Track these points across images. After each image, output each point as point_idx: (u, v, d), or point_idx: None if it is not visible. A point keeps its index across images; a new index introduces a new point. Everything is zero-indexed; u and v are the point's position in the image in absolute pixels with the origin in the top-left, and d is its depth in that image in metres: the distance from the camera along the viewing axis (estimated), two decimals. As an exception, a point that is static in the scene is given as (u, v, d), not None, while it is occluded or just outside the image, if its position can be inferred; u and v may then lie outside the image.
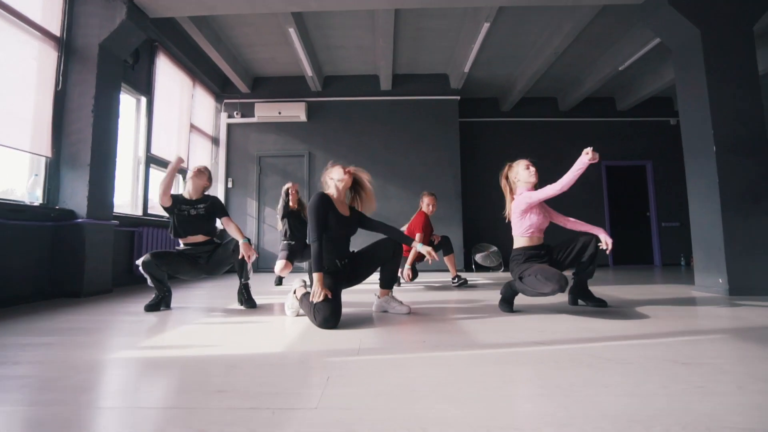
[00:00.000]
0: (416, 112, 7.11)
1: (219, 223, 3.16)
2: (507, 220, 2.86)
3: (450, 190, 6.96)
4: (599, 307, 2.76)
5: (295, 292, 2.57)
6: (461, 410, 1.09)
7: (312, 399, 1.18)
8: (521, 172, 2.75)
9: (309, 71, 6.41)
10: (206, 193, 3.20)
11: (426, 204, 4.46)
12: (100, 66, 3.85)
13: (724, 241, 3.43)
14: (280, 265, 4.24)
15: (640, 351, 1.66)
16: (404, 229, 4.55)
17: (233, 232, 3.00)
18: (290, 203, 4.36)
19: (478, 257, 6.96)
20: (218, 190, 6.97)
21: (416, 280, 4.79)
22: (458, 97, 7.12)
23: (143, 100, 5.20)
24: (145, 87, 5.19)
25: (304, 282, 2.66)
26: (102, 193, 3.88)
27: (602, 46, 6.22)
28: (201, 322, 2.42)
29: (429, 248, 2.51)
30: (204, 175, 3.16)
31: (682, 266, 7.47)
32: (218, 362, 1.58)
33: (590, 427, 0.97)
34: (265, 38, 6.00)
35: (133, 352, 1.76)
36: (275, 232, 6.79)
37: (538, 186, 2.73)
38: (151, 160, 5.26)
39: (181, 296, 3.61)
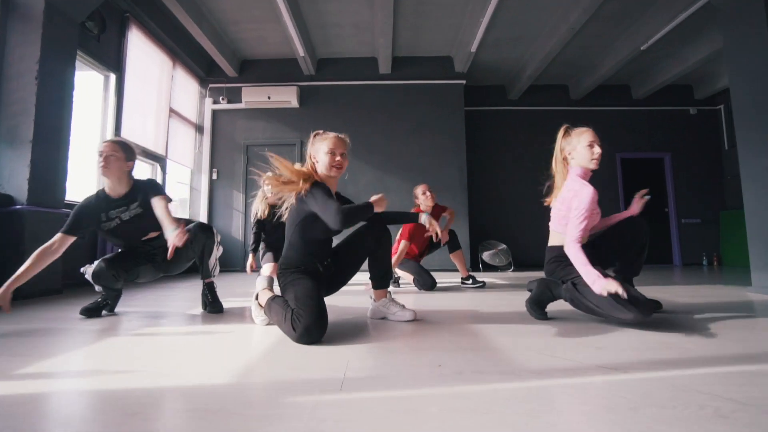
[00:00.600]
0: (418, 97, 6.53)
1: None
2: (546, 204, 2.23)
3: (455, 182, 6.36)
4: (654, 310, 2.13)
5: (257, 298, 1.96)
6: None
7: None
8: (581, 150, 2.02)
9: (301, 51, 5.81)
10: (132, 175, 2.31)
11: (422, 197, 3.72)
12: (46, 26, 3.24)
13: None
14: (269, 267, 3.27)
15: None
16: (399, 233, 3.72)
17: (162, 217, 2.13)
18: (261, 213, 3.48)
19: (486, 256, 6.35)
20: (202, 181, 6.37)
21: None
22: (464, 81, 6.54)
23: (112, 77, 4.61)
24: (114, 62, 4.59)
25: (269, 281, 2.05)
26: (49, 176, 3.27)
27: (623, 23, 5.63)
28: (134, 333, 1.80)
29: (432, 220, 2.05)
30: (116, 155, 2.18)
31: (704, 266, 6.90)
32: (118, 403, 0.97)
33: None
34: (252, 14, 5.40)
35: (3, 383, 1.15)
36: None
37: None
38: (121, 145, 4.65)
39: (138, 298, 3.00)
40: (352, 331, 1.80)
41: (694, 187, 7.31)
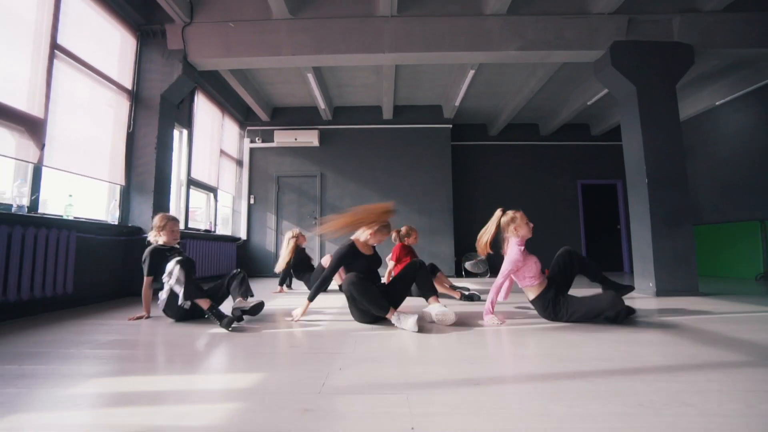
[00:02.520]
0: (414, 138, 7.98)
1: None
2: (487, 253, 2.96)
3: (443, 207, 7.81)
4: (626, 291, 2.97)
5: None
6: None
7: None
8: (525, 227, 2.84)
9: (322, 104, 7.29)
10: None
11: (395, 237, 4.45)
12: (161, 111, 4.72)
13: (653, 253, 4.27)
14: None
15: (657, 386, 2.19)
16: (389, 257, 4.52)
17: None
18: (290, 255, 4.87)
19: (468, 265, 7.78)
20: (242, 205, 7.83)
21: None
22: (450, 126, 8.00)
23: (185, 132, 6.06)
24: (187, 121, 6.05)
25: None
26: (161, 212, 4.72)
27: (573, 84, 7.10)
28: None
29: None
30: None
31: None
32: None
33: None
34: (284, 77, 6.88)
35: (216, 329, 2.59)
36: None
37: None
38: (192, 182, 6.11)
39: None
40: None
41: (640, 208, 8.72)
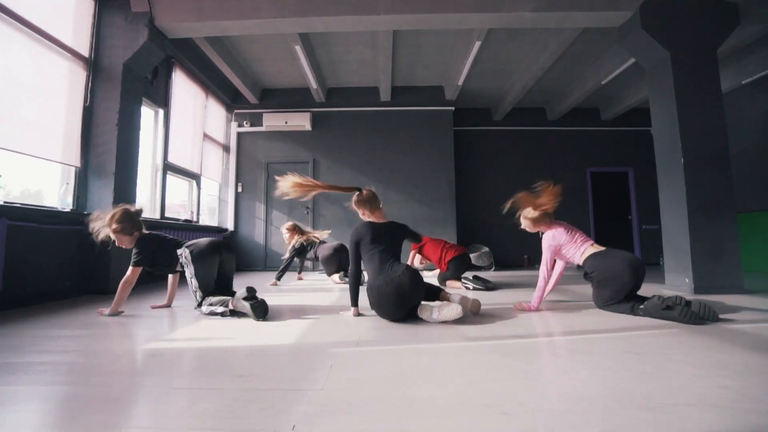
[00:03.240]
0: (413, 121, 7.31)
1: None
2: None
3: (445, 195, 7.15)
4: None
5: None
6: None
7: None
8: (545, 206, 3.03)
9: (314, 84, 6.60)
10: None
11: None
12: (123, 83, 4.05)
13: (690, 245, 3.63)
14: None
15: (604, 344, 1.86)
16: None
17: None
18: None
19: (471, 257, 7.12)
20: (228, 194, 7.17)
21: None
22: (452, 108, 7.32)
23: (161, 112, 5.39)
24: (162, 100, 5.38)
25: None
26: (125, 200, 4.04)
27: (586, 62, 6.40)
28: (215, 318, 2.61)
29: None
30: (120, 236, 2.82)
31: (661, 266, 7.66)
32: (238, 352, 1.78)
33: (546, 405, 1.17)
34: (273, 54, 6.18)
35: (164, 343, 1.96)
36: (281, 234, 7.01)
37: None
38: (168, 168, 5.45)
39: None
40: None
41: (653, 197, 8.02)
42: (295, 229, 5.12)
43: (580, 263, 2.79)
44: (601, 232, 8.05)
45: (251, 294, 2.56)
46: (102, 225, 2.74)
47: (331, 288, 4.39)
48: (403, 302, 2.35)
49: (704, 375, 1.40)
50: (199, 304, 2.71)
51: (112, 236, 2.77)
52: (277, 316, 2.62)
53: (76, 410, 1.18)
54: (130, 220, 2.79)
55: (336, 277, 4.89)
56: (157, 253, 2.84)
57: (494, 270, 6.94)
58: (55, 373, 1.50)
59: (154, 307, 3.02)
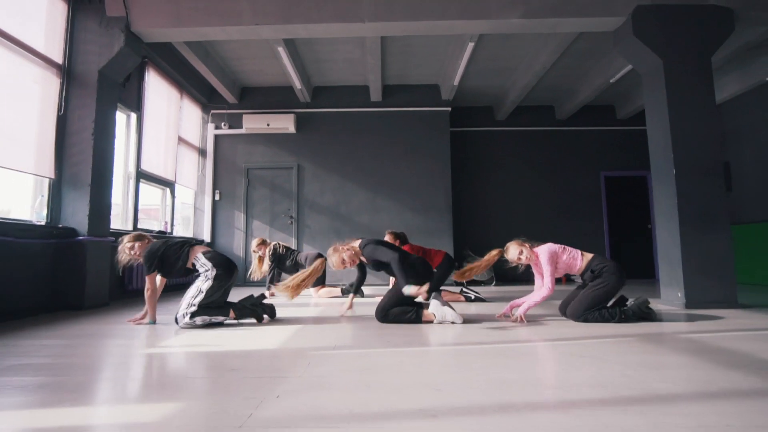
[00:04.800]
0: (407, 123, 7.91)
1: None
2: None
3: (441, 202, 7.73)
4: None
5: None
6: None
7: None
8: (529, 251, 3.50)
9: (298, 84, 7.20)
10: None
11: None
12: (99, 90, 4.64)
13: (681, 258, 4.20)
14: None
15: (565, 349, 2.43)
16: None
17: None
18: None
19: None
20: (205, 202, 7.74)
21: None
22: (449, 109, 7.94)
23: (133, 116, 5.97)
24: (135, 103, 5.96)
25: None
26: (100, 211, 4.64)
27: (593, 58, 7.02)
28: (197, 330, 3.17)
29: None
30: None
31: (682, 281, 8.19)
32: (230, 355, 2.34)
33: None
34: (253, 51, 6.79)
35: (155, 349, 2.52)
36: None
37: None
38: (141, 175, 6.02)
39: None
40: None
41: (673, 205, 8.63)
42: (264, 242, 5.86)
43: (583, 266, 3.42)
44: (616, 242, 8.59)
45: (260, 299, 3.55)
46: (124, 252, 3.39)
47: (317, 303, 4.95)
48: None
49: (621, 368, 1.97)
50: (192, 316, 3.21)
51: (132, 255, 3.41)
52: (265, 327, 3.18)
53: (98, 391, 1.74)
54: (139, 239, 3.44)
55: (324, 291, 5.51)
56: (165, 255, 3.37)
57: (495, 285, 7.49)
58: (54, 370, 2.05)
59: (132, 321, 3.49)
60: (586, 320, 3.29)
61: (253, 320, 3.45)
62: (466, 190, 8.53)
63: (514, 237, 3.55)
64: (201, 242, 7.40)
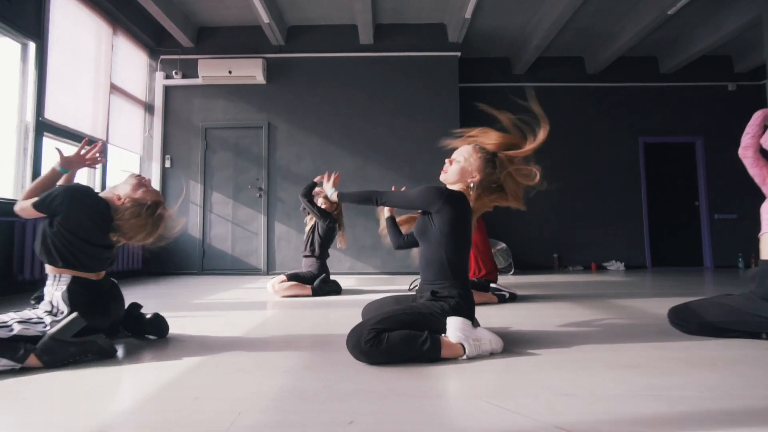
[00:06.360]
0: (405, 72, 6.39)
1: None
2: None
3: (447, 171, 6.14)
4: None
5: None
6: None
7: None
8: None
9: (265, 17, 5.56)
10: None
11: None
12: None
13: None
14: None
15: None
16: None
17: None
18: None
19: (483, 257, 6.11)
20: (153, 170, 6.17)
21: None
22: (458, 53, 6.40)
23: (31, 45, 4.35)
24: (33, 28, 4.33)
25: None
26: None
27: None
28: None
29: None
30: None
31: (741, 268, 6.69)
32: None
33: None
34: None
35: None
36: (224, 224, 6.07)
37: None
38: (45, 127, 4.43)
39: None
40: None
41: (730, 177, 7.01)
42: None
43: None
44: (657, 221, 7.23)
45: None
46: None
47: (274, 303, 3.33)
48: None
49: None
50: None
51: None
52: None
53: None
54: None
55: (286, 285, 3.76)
56: None
57: (513, 273, 5.93)
58: None
59: None
60: None
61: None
62: (478, 157, 6.94)
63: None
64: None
